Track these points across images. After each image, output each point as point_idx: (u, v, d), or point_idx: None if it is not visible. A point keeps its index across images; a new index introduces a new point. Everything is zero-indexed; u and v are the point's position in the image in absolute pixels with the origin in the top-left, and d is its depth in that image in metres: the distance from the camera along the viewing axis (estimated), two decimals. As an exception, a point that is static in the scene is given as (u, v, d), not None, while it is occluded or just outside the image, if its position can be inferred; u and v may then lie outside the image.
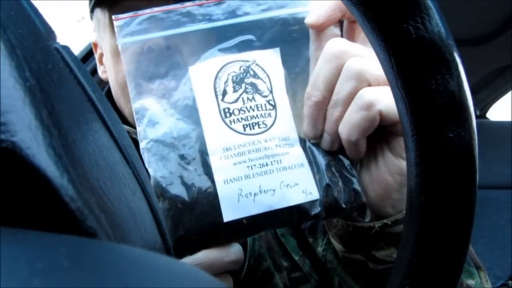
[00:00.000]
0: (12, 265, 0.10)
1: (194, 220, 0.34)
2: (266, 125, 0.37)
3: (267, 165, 0.35)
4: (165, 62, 0.37)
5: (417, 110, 0.21)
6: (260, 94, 0.37)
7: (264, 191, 0.35)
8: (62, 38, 0.19)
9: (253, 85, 0.37)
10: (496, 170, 1.55)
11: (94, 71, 1.02)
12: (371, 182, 0.40)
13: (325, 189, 0.36)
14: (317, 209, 0.35)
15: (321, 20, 0.38)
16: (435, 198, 0.22)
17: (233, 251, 0.40)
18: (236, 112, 0.36)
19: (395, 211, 0.40)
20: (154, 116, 0.36)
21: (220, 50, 0.38)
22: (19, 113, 0.13)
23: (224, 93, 0.37)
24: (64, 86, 0.16)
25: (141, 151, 0.35)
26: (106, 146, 0.17)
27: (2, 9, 0.15)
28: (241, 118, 0.36)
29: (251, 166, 0.35)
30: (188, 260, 0.35)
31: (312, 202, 0.36)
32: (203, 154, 0.35)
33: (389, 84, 0.22)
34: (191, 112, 0.36)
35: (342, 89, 0.36)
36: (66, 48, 0.18)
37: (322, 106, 0.37)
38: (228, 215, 0.34)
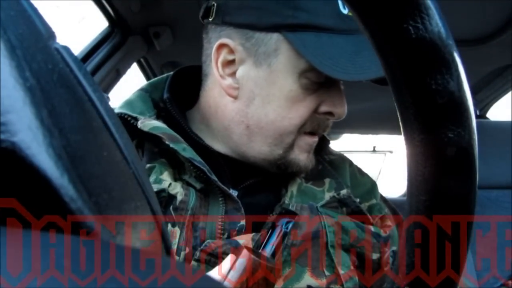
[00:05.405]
0: (12, 265, 0.10)
1: None
2: None
3: None
4: None
5: (417, 110, 0.21)
6: None
7: None
8: (62, 38, 0.19)
9: None
10: (496, 170, 1.54)
11: (94, 71, 1.01)
12: None
13: None
14: None
15: None
16: (435, 198, 0.22)
17: None
18: None
19: None
20: None
21: None
22: (19, 113, 0.13)
23: None
24: (64, 86, 0.16)
25: None
26: (106, 146, 0.17)
27: (2, 9, 0.15)
28: None
29: None
30: None
31: None
32: None
33: (389, 84, 0.22)
34: None
35: None
36: (66, 48, 0.18)
37: None
38: None
